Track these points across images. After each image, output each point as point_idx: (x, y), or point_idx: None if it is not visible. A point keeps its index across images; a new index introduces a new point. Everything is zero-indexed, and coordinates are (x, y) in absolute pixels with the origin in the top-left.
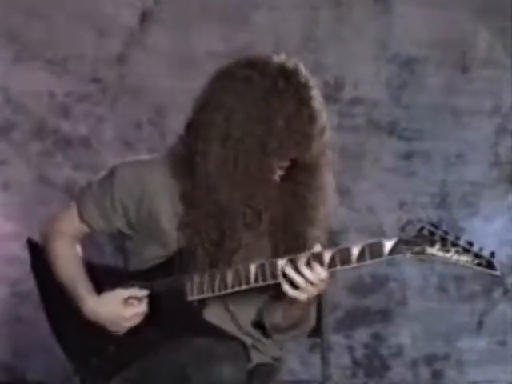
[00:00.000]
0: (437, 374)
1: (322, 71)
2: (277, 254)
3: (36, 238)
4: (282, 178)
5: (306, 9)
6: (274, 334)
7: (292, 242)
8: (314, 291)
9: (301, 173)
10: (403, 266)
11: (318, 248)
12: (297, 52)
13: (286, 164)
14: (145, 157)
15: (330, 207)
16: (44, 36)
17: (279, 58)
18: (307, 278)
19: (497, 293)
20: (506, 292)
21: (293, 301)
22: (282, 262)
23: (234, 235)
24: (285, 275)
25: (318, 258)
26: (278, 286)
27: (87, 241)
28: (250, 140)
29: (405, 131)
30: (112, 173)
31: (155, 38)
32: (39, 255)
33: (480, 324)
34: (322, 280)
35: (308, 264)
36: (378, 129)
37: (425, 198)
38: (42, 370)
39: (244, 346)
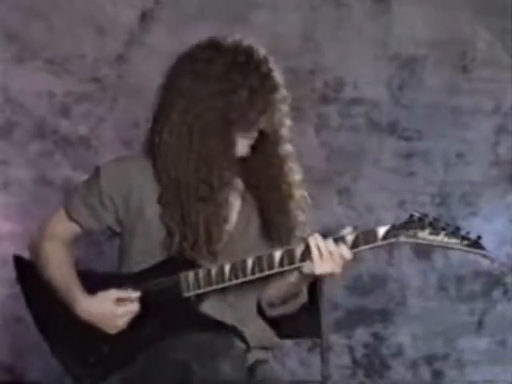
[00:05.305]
0: (437, 374)
1: (321, 71)
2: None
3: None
4: (252, 154)
5: (305, 9)
6: (267, 310)
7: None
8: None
9: (267, 144)
10: (403, 266)
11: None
12: (297, 52)
13: (253, 135)
14: (126, 154)
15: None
16: (44, 36)
17: (234, 38)
18: (330, 249)
19: (497, 293)
20: (505, 292)
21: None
22: (278, 254)
23: (191, 210)
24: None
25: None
26: (276, 276)
27: (86, 241)
28: (211, 114)
29: (405, 131)
30: (97, 172)
31: (155, 38)
32: (26, 270)
33: (480, 324)
34: (343, 259)
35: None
36: (377, 129)
37: (425, 198)
38: (42, 370)
39: (243, 336)
